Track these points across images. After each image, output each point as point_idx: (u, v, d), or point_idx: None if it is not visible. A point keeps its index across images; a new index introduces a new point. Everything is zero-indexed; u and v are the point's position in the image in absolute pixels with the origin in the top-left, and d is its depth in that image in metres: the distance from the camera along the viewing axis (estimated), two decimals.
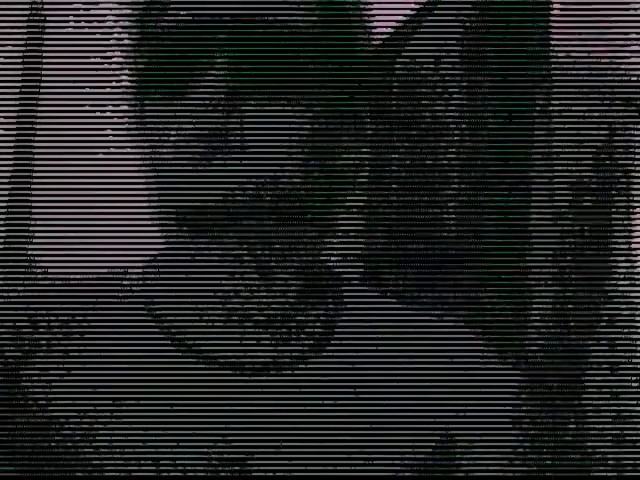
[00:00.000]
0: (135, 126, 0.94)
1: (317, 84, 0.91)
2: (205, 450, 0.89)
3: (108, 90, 1.59)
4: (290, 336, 0.94)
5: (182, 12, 0.90)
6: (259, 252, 0.91)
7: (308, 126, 0.90)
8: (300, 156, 0.90)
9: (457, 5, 1.70)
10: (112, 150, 1.59)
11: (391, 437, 0.93)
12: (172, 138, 0.89)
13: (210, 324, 0.93)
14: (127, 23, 0.95)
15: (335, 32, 0.93)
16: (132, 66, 0.94)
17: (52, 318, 0.94)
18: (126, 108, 0.95)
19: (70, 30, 1.59)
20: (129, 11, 0.95)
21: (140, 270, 0.98)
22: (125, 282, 0.98)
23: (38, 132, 1.64)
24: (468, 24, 1.69)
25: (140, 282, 0.97)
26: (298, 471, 0.90)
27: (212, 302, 0.93)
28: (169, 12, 0.91)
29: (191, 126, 0.88)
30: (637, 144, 1.72)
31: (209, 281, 0.93)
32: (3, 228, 1.62)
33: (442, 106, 1.70)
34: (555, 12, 1.68)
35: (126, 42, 0.95)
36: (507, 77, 1.66)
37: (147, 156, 0.93)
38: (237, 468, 0.89)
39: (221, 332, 0.93)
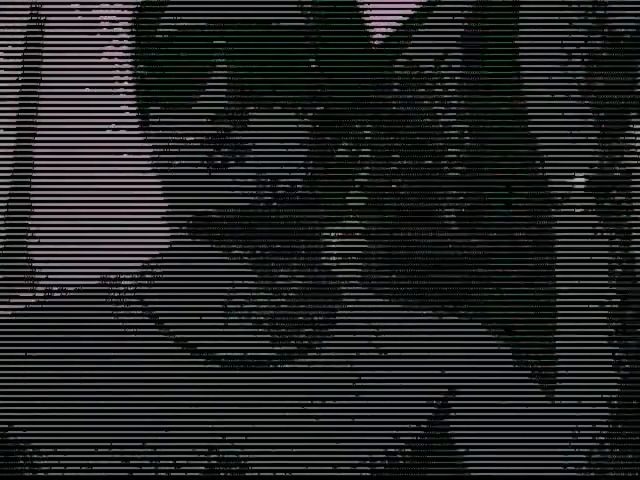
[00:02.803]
0: (139, 131, 0.95)
1: (318, 85, 0.92)
2: (205, 449, 0.90)
3: (107, 90, 1.59)
4: (288, 331, 0.94)
5: (181, 17, 0.91)
6: (260, 252, 0.92)
7: (309, 127, 0.91)
8: (302, 157, 0.91)
9: (457, 5, 1.70)
10: (110, 151, 1.59)
11: (385, 434, 0.93)
12: (176, 143, 0.90)
13: (208, 320, 0.94)
14: (127, 29, 0.96)
15: (334, 33, 0.94)
16: (133, 71, 0.95)
17: (53, 319, 0.94)
18: (127, 112, 0.96)
19: (70, 30, 1.60)
20: (128, 16, 0.96)
21: (139, 270, 0.99)
22: (124, 282, 0.98)
23: (38, 132, 1.64)
24: (468, 24, 1.69)
25: (140, 281, 0.97)
26: (296, 470, 0.90)
27: (212, 298, 0.94)
28: (168, 17, 0.91)
29: (194, 132, 0.89)
30: (637, 144, 1.72)
31: (210, 279, 0.93)
32: (3, 228, 1.62)
33: (442, 106, 1.70)
34: (556, 12, 1.68)
35: (127, 47, 0.95)
36: (507, 77, 1.66)
37: (152, 160, 0.94)
38: (236, 468, 0.89)
39: (220, 328, 0.93)
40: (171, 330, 0.94)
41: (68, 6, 1.61)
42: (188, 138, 0.90)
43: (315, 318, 0.96)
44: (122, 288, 0.97)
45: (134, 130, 0.96)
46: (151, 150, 0.94)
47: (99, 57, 1.59)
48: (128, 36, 0.96)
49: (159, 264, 0.98)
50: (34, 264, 0.97)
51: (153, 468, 0.89)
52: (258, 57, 0.89)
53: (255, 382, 0.93)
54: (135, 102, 0.96)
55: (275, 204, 0.90)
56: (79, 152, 1.57)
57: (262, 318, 0.94)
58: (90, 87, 1.59)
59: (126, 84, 0.97)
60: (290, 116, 0.90)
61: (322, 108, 0.92)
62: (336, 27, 0.94)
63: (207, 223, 0.90)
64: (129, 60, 0.96)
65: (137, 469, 0.89)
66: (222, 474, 0.89)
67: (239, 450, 0.90)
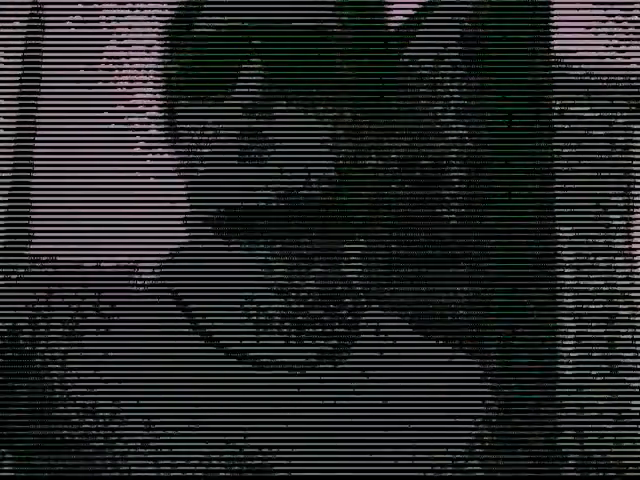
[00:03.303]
0: (167, 127, 0.95)
1: (349, 85, 0.92)
2: (219, 448, 0.89)
3: (135, 88, 1.59)
4: (312, 337, 0.94)
5: (217, 17, 0.91)
6: (283, 254, 0.92)
7: (340, 128, 0.91)
8: (332, 157, 0.91)
9: (457, 5, 1.70)
10: (115, 150, 1.59)
11: (401, 439, 0.93)
12: (206, 140, 0.90)
13: (234, 320, 0.93)
14: (161, 27, 0.96)
15: (366, 33, 0.94)
16: (165, 69, 0.95)
17: (68, 313, 0.93)
18: (156, 109, 0.96)
19: (72, 30, 1.60)
20: (163, 15, 0.96)
21: (160, 265, 0.98)
22: (146, 277, 0.97)
23: (39, 132, 1.64)
24: (468, 24, 1.70)
25: (162, 277, 0.97)
26: (310, 471, 0.90)
27: (234, 298, 0.93)
28: (204, 17, 0.92)
29: (225, 127, 0.89)
30: (637, 144, 1.72)
31: (232, 279, 0.93)
32: (4, 227, 1.62)
33: (442, 106, 1.70)
34: (555, 12, 1.69)
35: (159, 45, 0.96)
36: (507, 77, 1.66)
37: (179, 156, 0.94)
38: (251, 467, 0.89)
39: (243, 328, 0.93)
40: (195, 323, 0.93)
41: (95, 5, 1.61)
42: (215, 134, 0.90)
43: (341, 321, 0.96)
44: (146, 282, 0.97)
45: (160, 125, 0.96)
46: (178, 145, 0.94)
47: (100, 56, 1.59)
48: (160, 32, 0.96)
49: (182, 259, 0.98)
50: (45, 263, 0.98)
51: (165, 468, 0.89)
52: (290, 57, 0.90)
53: (279, 383, 0.93)
54: (164, 98, 0.96)
55: (298, 205, 0.90)
56: (81, 151, 1.57)
57: (282, 319, 0.94)
58: (118, 85, 1.59)
59: (154, 81, 0.97)
60: (318, 116, 0.90)
61: (349, 109, 0.92)
62: (365, 29, 0.94)
63: (230, 221, 0.90)
64: (159, 57, 0.96)
65: (148, 468, 0.89)
66: (240, 474, 0.89)
67: (260, 451, 0.90)
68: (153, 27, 0.92)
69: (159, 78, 0.96)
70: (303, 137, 0.90)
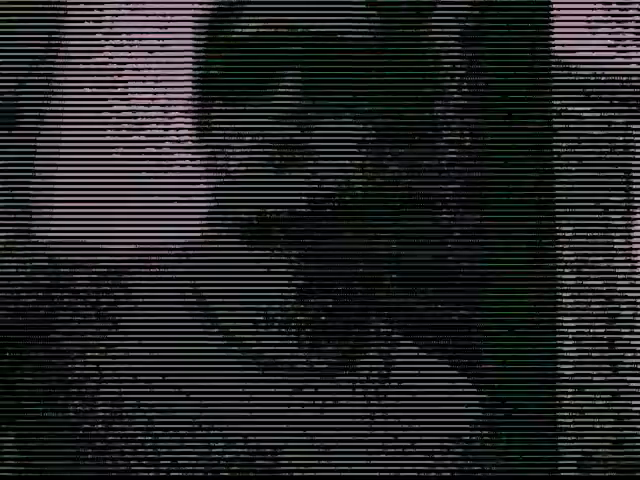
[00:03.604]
0: (200, 130, 0.95)
1: (387, 93, 0.92)
2: (228, 449, 0.89)
3: (172, 87, 1.59)
4: (322, 343, 0.95)
5: (257, 23, 0.91)
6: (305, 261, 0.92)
7: (377, 135, 0.91)
8: (368, 166, 0.91)
9: (457, 5, 1.70)
10: (122, 150, 1.59)
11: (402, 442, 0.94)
12: (241, 144, 0.90)
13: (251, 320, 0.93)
14: (202, 29, 0.96)
15: (403, 41, 0.94)
16: (200, 69, 0.95)
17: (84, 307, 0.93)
18: (191, 113, 0.96)
19: (86, 28, 1.60)
20: (205, 16, 0.96)
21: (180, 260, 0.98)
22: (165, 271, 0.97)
23: (42, 132, 1.64)
24: (468, 24, 1.70)
25: (176, 274, 0.96)
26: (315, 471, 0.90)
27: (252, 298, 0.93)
28: (245, 23, 0.92)
29: (256, 132, 0.89)
30: (637, 144, 1.72)
31: (252, 278, 0.93)
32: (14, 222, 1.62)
33: (442, 106, 1.70)
34: (555, 12, 1.69)
35: (197, 47, 0.96)
36: (507, 77, 1.66)
37: (210, 156, 0.93)
38: (251, 467, 0.89)
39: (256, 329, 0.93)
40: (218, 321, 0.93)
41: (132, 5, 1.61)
42: (248, 138, 0.90)
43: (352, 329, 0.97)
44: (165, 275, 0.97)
45: (194, 132, 0.96)
46: (209, 145, 0.94)
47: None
48: (198, 33, 0.96)
49: (200, 257, 0.97)
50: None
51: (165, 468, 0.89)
52: (329, 66, 0.90)
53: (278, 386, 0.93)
54: (199, 98, 0.96)
55: (325, 212, 0.90)
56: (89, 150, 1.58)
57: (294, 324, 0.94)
58: (156, 84, 1.59)
59: (190, 81, 0.97)
60: (355, 127, 0.90)
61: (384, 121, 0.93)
62: (402, 38, 0.94)
63: (255, 224, 0.90)
64: (197, 58, 0.96)
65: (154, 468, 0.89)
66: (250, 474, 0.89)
67: (259, 451, 0.90)
68: (190, 28, 0.92)
69: (193, 79, 0.96)
70: (336, 141, 0.90)
